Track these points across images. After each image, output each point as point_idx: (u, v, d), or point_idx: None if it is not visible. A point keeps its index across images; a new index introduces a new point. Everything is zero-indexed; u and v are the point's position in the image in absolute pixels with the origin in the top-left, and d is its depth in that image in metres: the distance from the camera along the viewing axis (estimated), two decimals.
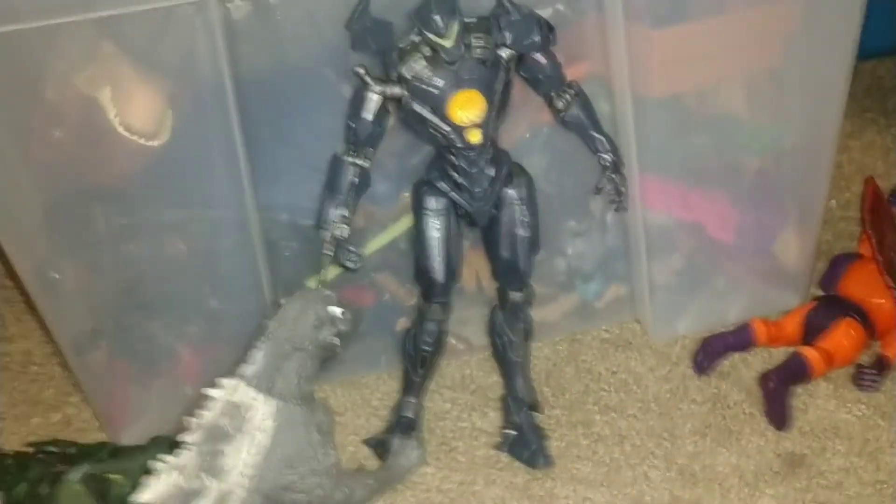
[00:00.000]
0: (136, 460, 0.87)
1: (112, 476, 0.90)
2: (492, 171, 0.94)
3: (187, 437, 0.70)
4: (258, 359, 0.71)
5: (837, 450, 0.98)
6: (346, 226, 0.92)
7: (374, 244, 1.08)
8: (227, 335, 1.04)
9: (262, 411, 0.70)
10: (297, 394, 0.72)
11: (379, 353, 1.18)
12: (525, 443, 1.00)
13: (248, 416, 0.70)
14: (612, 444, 1.02)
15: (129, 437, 1.03)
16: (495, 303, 1.05)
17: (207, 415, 0.70)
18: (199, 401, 0.72)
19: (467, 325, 1.17)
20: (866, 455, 0.97)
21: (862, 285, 1.10)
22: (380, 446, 1.00)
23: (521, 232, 0.96)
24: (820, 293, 1.16)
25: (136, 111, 0.90)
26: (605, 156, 0.97)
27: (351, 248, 0.92)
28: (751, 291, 1.17)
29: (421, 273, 0.97)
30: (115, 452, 0.95)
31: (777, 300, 1.16)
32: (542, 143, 1.08)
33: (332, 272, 1.09)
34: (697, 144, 1.09)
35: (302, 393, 0.72)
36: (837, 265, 1.16)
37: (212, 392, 0.70)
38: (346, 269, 0.93)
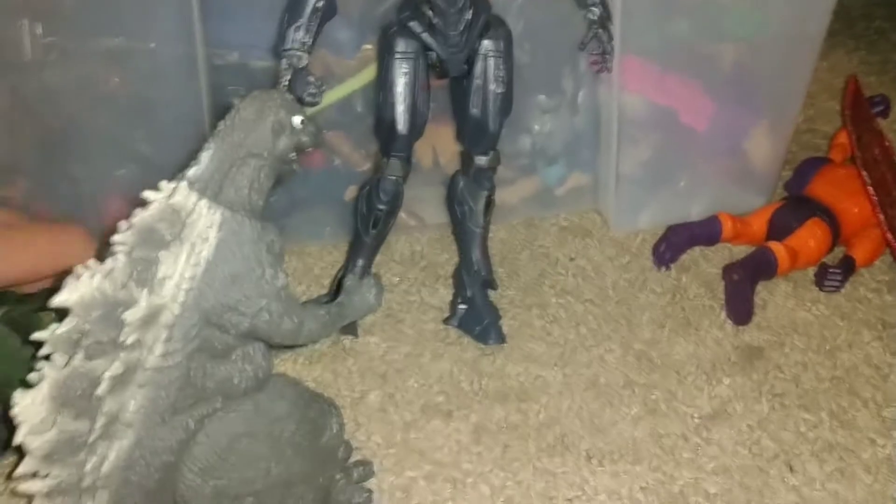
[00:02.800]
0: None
1: (40, 313, 0.81)
2: (468, 15, 0.86)
3: (116, 238, 0.59)
4: (205, 161, 0.60)
5: (795, 345, 0.96)
6: (305, 54, 0.83)
7: (331, 96, 1.00)
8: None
9: (205, 219, 0.59)
10: (247, 206, 0.62)
11: (324, 223, 1.10)
12: (477, 318, 0.95)
13: (188, 223, 0.59)
14: (568, 327, 0.98)
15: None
16: (457, 169, 0.98)
17: (142, 216, 0.59)
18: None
19: (421, 202, 1.11)
20: (824, 352, 0.95)
21: (832, 187, 1.07)
22: (335, 288, 0.93)
23: (495, 88, 0.89)
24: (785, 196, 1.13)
25: None
26: (594, 9, 0.90)
27: (311, 78, 0.83)
28: (716, 190, 1.13)
29: (383, 123, 0.90)
30: (24, 299, 0.86)
31: (742, 201, 1.13)
32: (517, 7, 1.00)
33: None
34: (682, 28, 1.03)
35: (252, 207, 0.62)
36: (806, 168, 1.13)
37: (149, 194, 0.59)
38: (303, 103, 0.83)
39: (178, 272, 0.59)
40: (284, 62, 0.83)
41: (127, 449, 0.61)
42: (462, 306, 0.97)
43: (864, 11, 1.68)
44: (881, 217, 1.00)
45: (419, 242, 1.10)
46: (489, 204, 0.95)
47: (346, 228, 1.03)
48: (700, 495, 0.80)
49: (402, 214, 1.02)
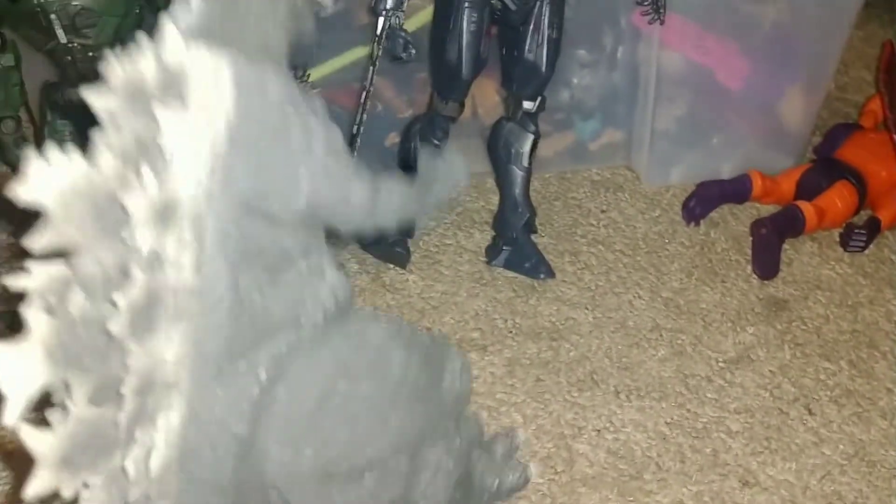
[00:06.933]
0: None
1: None
2: None
3: (93, 100, 0.41)
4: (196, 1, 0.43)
5: (818, 300, 0.99)
6: (402, 13, 0.87)
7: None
8: None
9: (213, 71, 0.41)
10: (264, 50, 0.46)
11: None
12: (525, 255, 0.99)
13: (191, 81, 0.41)
14: (599, 273, 1.01)
15: None
16: (501, 116, 1.01)
17: (125, 70, 0.40)
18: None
19: (459, 150, 1.14)
20: (846, 307, 0.98)
21: (862, 151, 1.10)
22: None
23: (550, 33, 0.93)
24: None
25: None
26: None
27: (404, 35, 0.86)
28: (748, 149, 1.16)
29: (445, 66, 0.93)
30: None
31: (772, 162, 1.15)
32: None
33: (338, 63, 1.04)
34: None
35: (270, 51, 0.46)
36: (837, 133, 1.15)
37: (132, 56, 0.41)
38: (399, 60, 0.88)
39: (191, 143, 0.42)
40: (383, 21, 0.86)
41: (178, 427, 0.42)
42: (506, 248, 1.00)
43: None
44: None
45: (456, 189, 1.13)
46: (534, 147, 0.99)
47: (389, 173, 1.07)
48: (722, 431, 0.84)
49: None
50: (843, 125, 1.17)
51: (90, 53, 0.80)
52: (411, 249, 1.02)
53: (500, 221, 1.02)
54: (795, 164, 1.16)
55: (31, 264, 0.38)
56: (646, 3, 0.97)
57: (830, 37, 1.12)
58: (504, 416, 0.85)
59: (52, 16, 0.77)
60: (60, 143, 0.87)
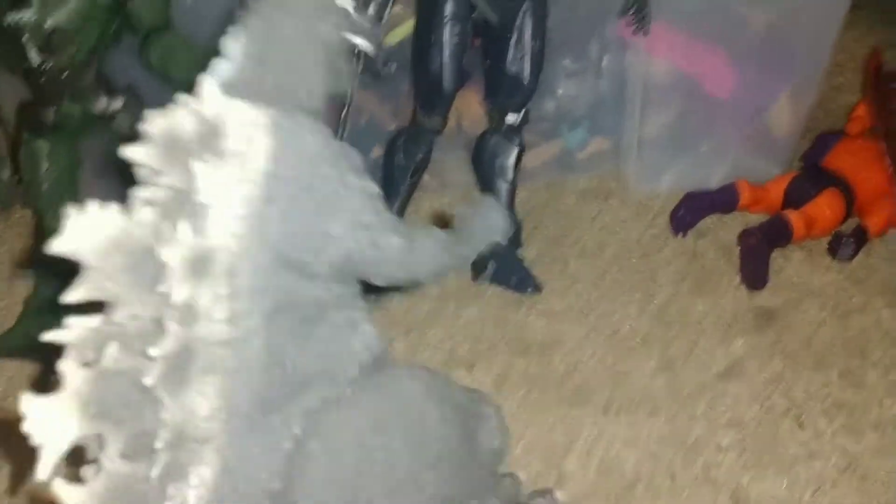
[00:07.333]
0: None
1: None
2: None
3: (132, 154, 0.43)
4: (237, 54, 0.45)
5: (808, 308, 0.98)
6: (379, 24, 0.86)
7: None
8: None
9: (249, 123, 0.44)
10: (300, 104, 0.46)
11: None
12: (511, 270, 0.98)
13: (227, 133, 0.43)
14: (588, 285, 1.00)
15: None
16: (485, 129, 1.00)
17: (162, 124, 0.44)
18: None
19: (444, 163, 1.13)
20: (837, 315, 0.98)
21: (849, 159, 1.09)
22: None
23: (533, 44, 0.92)
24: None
25: None
26: None
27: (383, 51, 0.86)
28: (736, 157, 1.15)
29: (428, 80, 0.92)
30: None
31: (760, 170, 1.14)
32: None
33: None
34: None
35: (307, 105, 0.47)
36: (824, 141, 1.14)
37: (172, 109, 0.45)
38: (379, 76, 0.90)
39: (227, 196, 0.42)
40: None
41: (211, 482, 0.41)
42: (492, 262, 0.99)
43: None
44: None
45: (441, 202, 1.12)
46: (519, 159, 0.98)
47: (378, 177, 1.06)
48: (713, 446, 0.83)
49: (425, 175, 1.05)
50: (830, 133, 1.16)
51: (65, 74, 0.79)
52: None
53: None
54: (784, 170, 1.15)
55: (68, 319, 0.40)
56: (630, 15, 0.96)
57: (817, 45, 1.11)
58: None
59: (25, 36, 0.76)
60: (36, 162, 0.86)
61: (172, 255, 0.40)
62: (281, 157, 0.43)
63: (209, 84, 0.44)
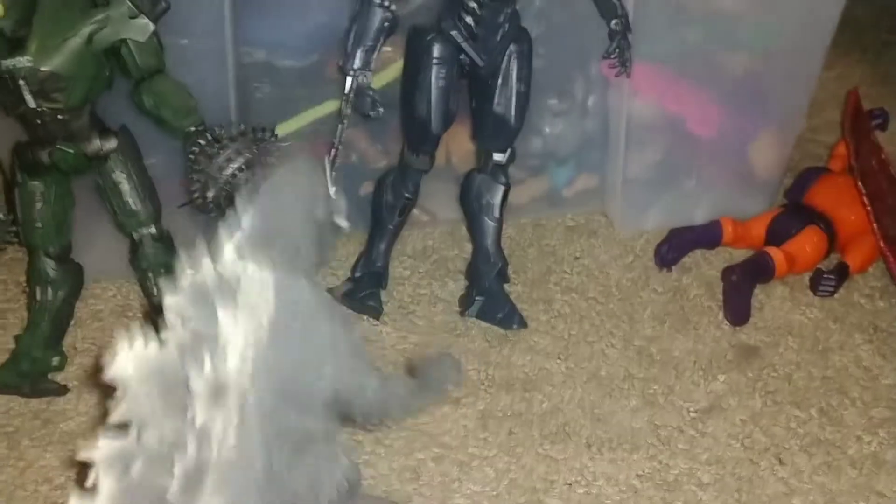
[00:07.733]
0: None
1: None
2: (507, 26, 0.92)
3: (168, 302, 0.53)
4: (247, 226, 0.55)
5: (789, 345, 1.00)
6: (370, 72, 0.88)
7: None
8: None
9: (258, 282, 0.54)
10: (297, 267, 0.57)
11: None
12: (497, 306, 1.00)
13: (242, 288, 0.54)
14: (572, 322, 1.02)
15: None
16: (472, 168, 1.02)
17: (193, 279, 0.54)
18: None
19: (433, 197, 1.15)
20: (816, 353, 0.99)
21: (830, 196, 1.11)
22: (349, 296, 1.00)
23: (518, 87, 0.94)
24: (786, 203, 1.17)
25: None
26: (619, 20, 0.96)
27: (372, 94, 0.88)
28: (720, 194, 1.17)
29: (415, 121, 0.94)
30: None
31: (745, 206, 1.17)
32: (534, 13, 1.05)
33: (309, 117, 1.05)
34: (694, 36, 1.07)
35: (302, 268, 0.58)
36: (806, 177, 1.17)
37: (195, 261, 0.55)
38: (367, 117, 0.91)
39: (241, 339, 0.53)
40: (351, 81, 0.88)
41: None
42: (479, 298, 1.01)
43: (872, 21, 1.71)
44: (875, 227, 1.04)
45: (431, 237, 1.14)
46: (505, 197, 1.00)
47: (363, 221, 1.08)
48: (693, 484, 0.84)
49: (414, 210, 1.06)
50: (813, 169, 1.18)
51: (59, 116, 0.81)
52: (385, 300, 1.03)
53: (473, 271, 1.03)
54: (768, 206, 1.17)
55: (99, 439, 0.51)
56: (612, 57, 0.98)
57: (799, 84, 1.13)
58: (476, 471, 0.85)
59: (21, 82, 0.78)
60: (31, 202, 0.88)
61: (198, 386, 0.51)
62: (283, 309, 0.54)
63: (227, 245, 0.55)
